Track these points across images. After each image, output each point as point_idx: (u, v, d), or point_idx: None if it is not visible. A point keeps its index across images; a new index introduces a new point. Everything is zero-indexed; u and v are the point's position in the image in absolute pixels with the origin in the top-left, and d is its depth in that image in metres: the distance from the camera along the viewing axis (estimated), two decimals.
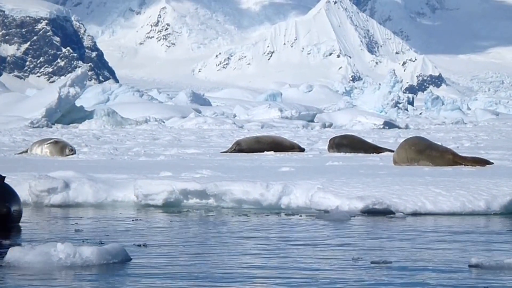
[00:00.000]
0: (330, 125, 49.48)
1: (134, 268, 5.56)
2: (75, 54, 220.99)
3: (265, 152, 18.16)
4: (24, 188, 9.58)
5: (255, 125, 45.75)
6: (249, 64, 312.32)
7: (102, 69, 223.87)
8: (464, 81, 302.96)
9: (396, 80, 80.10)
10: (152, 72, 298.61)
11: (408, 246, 6.57)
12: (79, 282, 5.10)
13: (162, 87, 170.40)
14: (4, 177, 8.06)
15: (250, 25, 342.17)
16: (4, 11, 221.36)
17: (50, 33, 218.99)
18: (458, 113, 72.54)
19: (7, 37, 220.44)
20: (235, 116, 58.28)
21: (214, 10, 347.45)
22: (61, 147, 16.73)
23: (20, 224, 7.95)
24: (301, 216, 8.70)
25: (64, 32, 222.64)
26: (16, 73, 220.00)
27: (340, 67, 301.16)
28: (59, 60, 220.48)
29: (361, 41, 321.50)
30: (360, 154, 17.34)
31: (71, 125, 47.08)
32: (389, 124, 47.85)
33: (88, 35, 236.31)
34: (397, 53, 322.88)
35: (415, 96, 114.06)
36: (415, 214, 8.65)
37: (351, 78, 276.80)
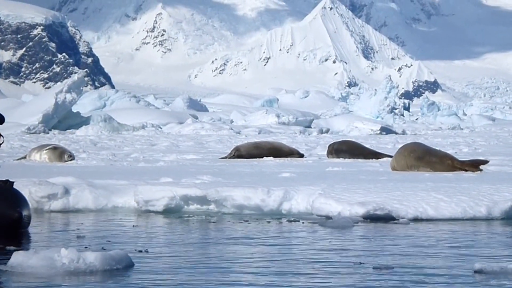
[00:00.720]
0: (327, 131, 49.54)
1: (138, 274, 5.55)
2: (71, 60, 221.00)
3: (264, 158, 18.15)
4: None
5: (253, 131, 45.75)
6: (245, 70, 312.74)
7: (98, 75, 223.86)
8: (460, 87, 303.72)
9: (392, 85, 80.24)
10: (148, 78, 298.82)
11: (411, 251, 6.57)
12: None
13: (158, 93, 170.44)
14: (13, 182, 8.05)
15: (246, 31, 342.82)
16: None
17: (45, 39, 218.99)
18: (454, 119, 72.69)
19: (2, 43, 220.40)
20: (232, 122, 58.33)
21: (210, 16, 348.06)
22: (60, 153, 16.70)
23: (23, 230, 7.94)
24: (303, 222, 8.68)
25: (59, 38, 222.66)
26: (11, 79, 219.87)
27: (336, 73, 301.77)
28: (54, 66, 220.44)
29: (356, 47, 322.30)
30: (359, 160, 17.34)
31: (67, 131, 47.03)
32: (386, 130, 47.89)
33: (84, 41, 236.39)
34: (392, 58, 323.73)
35: (411, 101, 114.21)
36: (416, 219, 8.65)
37: (347, 84, 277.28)
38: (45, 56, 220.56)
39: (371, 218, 8.64)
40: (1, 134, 8.25)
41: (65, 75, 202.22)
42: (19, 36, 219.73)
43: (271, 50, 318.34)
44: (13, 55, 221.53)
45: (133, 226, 8.47)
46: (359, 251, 6.62)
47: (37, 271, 5.43)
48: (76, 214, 9.57)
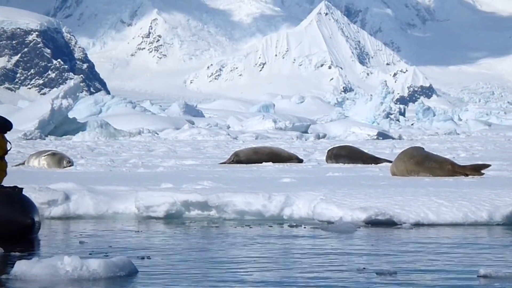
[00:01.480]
0: (324, 136, 49.63)
1: (141, 280, 5.52)
2: (66, 66, 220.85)
3: (263, 163, 18.15)
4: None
5: (250, 136, 45.80)
6: (240, 75, 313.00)
7: (93, 81, 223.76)
8: (455, 92, 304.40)
9: (388, 91, 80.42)
10: (143, 83, 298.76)
11: (414, 256, 6.56)
12: None
13: (153, 98, 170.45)
14: (22, 188, 8.03)
15: (242, 37, 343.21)
16: None
17: (40, 45, 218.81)
18: (450, 124, 72.86)
19: None
20: (229, 127, 58.37)
21: (205, 22, 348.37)
22: (59, 159, 16.66)
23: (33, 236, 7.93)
24: (305, 227, 8.67)
25: (55, 44, 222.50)
26: (6, 85, 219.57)
27: (332, 78, 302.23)
28: (50, 72, 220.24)
29: (352, 52, 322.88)
30: (359, 165, 17.34)
31: (64, 137, 47.02)
32: (383, 135, 48.00)
33: (79, 47, 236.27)
34: (388, 64, 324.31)
35: (406, 107, 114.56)
36: (417, 224, 8.65)
37: (342, 89, 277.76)
38: (40, 62, 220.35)
39: (373, 223, 8.65)
40: (9, 140, 8.25)
41: (60, 81, 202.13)
42: (14, 42, 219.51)
43: (267, 55, 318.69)
44: (8, 61, 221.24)
45: (135, 232, 8.44)
46: (362, 256, 6.62)
47: (41, 279, 5.41)
48: (77, 220, 9.53)
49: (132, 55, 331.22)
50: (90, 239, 7.76)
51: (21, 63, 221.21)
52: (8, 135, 8.28)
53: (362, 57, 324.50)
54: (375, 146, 31.41)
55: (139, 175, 14.27)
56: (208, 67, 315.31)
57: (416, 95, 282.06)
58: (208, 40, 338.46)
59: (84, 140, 42.29)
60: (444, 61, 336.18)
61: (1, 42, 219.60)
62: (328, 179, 12.75)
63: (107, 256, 6.52)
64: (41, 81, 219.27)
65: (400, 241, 7.54)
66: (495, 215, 8.81)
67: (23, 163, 17.58)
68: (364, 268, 5.93)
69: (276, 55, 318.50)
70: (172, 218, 9.41)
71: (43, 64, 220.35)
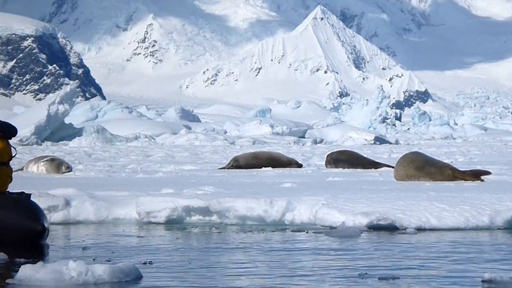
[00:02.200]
0: (321, 141, 49.66)
1: (146, 286, 5.51)
2: (62, 71, 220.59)
3: (263, 168, 18.14)
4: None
5: (247, 141, 45.81)
6: (236, 80, 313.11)
7: (88, 86, 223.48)
8: (450, 97, 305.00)
9: (384, 95, 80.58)
10: (139, 88, 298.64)
11: (417, 261, 6.55)
12: None
13: (149, 103, 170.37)
14: (30, 194, 8.01)
15: (238, 42, 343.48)
16: None
17: (36, 50, 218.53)
18: (447, 128, 72.94)
19: None
20: (225, 132, 58.37)
21: (201, 27, 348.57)
22: (58, 165, 16.63)
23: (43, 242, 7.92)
24: (307, 232, 8.66)
25: (50, 49, 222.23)
26: (2, 90, 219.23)
27: (328, 83, 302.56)
28: (45, 77, 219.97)
29: (348, 57, 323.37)
30: (358, 170, 17.33)
31: (60, 142, 46.92)
32: (380, 140, 48.06)
33: (75, 52, 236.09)
34: (383, 68, 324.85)
35: (402, 111, 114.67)
36: (419, 229, 8.65)
37: (338, 94, 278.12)
38: (36, 68, 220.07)
39: (375, 228, 8.64)
40: (13, 146, 8.25)
41: (56, 87, 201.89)
42: (9, 47, 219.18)
43: (263, 60, 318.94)
44: (3, 66, 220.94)
45: (137, 237, 8.43)
46: (365, 260, 6.61)
47: (45, 284, 5.38)
48: (78, 226, 9.51)
49: (127, 60, 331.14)
50: (93, 245, 7.74)
51: (16, 68, 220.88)
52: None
53: (358, 62, 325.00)
54: (373, 151, 31.43)
55: (138, 181, 14.25)
56: (204, 72, 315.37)
57: (411, 99, 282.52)
58: (204, 45, 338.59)
59: (80, 145, 42.22)
60: (439, 65, 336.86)
61: None
62: (328, 184, 12.74)
63: (109, 261, 6.50)
64: (36, 87, 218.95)
65: (404, 246, 7.53)
66: (497, 220, 8.83)
67: (22, 169, 17.53)
68: (366, 273, 5.91)
69: (272, 60, 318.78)
70: (173, 224, 9.39)
71: (38, 69, 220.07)
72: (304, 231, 8.69)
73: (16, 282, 5.47)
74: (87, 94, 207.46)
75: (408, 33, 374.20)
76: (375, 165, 17.81)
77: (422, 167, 13.05)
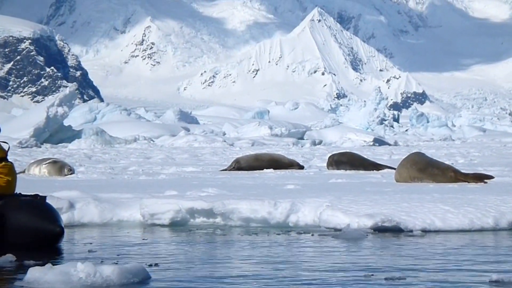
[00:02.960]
0: (320, 142, 49.62)
1: (154, 287, 5.50)
2: (59, 74, 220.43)
3: (265, 170, 18.13)
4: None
5: (246, 143, 45.77)
6: (234, 82, 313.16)
7: (86, 88, 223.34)
8: (448, 98, 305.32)
9: (382, 97, 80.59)
10: (137, 90, 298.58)
11: (424, 262, 6.55)
12: None
13: (147, 105, 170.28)
14: (45, 196, 8.01)
15: (235, 44, 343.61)
16: None
17: (33, 52, 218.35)
18: (445, 130, 72.95)
19: None
20: (224, 134, 58.34)
21: (199, 29, 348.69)
22: (60, 167, 16.59)
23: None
24: (313, 235, 8.65)
25: (48, 51, 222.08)
26: None
27: (325, 85, 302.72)
28: (43, 79, 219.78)
29: (345, 58, 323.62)
30: (360, 171, 17.32)
31: (59, 144, 46.87)
32: (379, 141, 48.06)
33: (72, 55, 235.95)
34: (381, 70, 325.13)
35: (399, 113, 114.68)
36: (424, 231, 8.65)
37: (336, 96, 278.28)
38: (33, 70, 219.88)
39: (379, 230, 8.63)
40: (4, 141, 8.25)
41: (54, 89, 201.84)
42: (6, 50, 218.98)
43: (260, 62, 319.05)
44: (1, 69, 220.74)
45: (143, 239, 8.42)
46: (372, 262, 6.61)
47: (54, 286, 5.37)
48: (82, 228, 9.50)
49: (125, 62, 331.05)
50: (98, 247, 7.74)
51: (14, 71, 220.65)
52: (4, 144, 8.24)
53: (355, 64, 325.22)
54: (373, 152, 31.44)
55: (141, 183, 14.25)
56: (201, 74, 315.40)
57: (409, 101, 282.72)
58: (201, 47, 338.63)
59: (80, 147, 42.18)
60: (436, 67, 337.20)
61: None
62: (331, 185, 12.73)
63: (116, 263, 6.49)
64: (34, 89, 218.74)
65: (410, 247, 7.53)
66: (501, 221, 8.83)
67: (23, 172, 17.48)
68: (372, 274, 5.91)
69: (269, 62, 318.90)
70: (177, 226, 9.38)
71: (36, 72, 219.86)
72: (309, 233, 8.68)
73: (25, 285, 5.46)
74: (85, 97, 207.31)
75: (405, 34, 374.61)
76: (376, 166, 17.78)
77: (424, 169, 13.04)
